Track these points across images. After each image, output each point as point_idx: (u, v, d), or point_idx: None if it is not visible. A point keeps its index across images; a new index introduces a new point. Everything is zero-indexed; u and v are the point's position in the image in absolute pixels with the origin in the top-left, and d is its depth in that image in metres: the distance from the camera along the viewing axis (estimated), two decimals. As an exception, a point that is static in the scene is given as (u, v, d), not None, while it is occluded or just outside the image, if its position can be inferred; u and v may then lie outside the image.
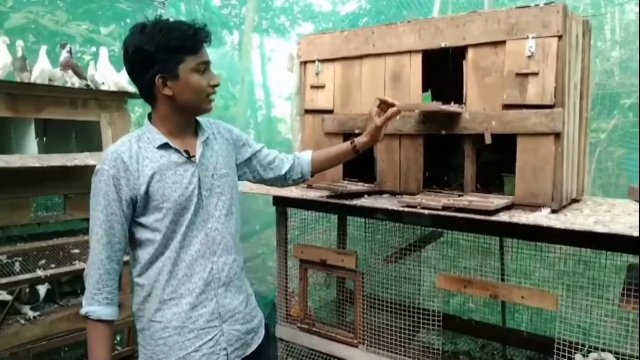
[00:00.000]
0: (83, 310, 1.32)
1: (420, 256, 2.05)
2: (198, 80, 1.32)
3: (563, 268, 1.90)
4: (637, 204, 1.72)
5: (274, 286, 3.08)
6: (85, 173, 2.40)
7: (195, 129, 1.43)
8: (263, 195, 2.18)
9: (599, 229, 1.37)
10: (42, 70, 2.63)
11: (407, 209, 1.66)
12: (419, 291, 2.03)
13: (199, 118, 1.45)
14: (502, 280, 2.06)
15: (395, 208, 1.69)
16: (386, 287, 2.04)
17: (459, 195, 1.77)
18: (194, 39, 1.30)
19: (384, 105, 1.64)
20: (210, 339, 1.36)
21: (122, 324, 2.80)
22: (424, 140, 1.87)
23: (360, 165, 2.06)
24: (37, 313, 2.58)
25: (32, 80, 2.62)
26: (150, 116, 1.39)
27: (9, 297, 2.52)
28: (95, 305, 1.31)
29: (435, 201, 1.62)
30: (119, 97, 2.93)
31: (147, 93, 1.34)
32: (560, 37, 1.55)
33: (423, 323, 1.89)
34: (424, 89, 1.88)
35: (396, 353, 1.93)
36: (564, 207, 1.68)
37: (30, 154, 2.61)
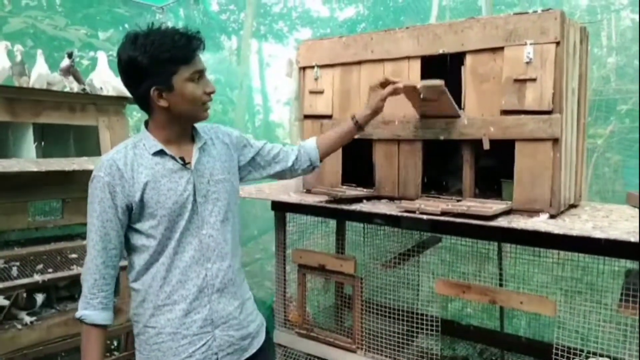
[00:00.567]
0: (78, 314, 1.34)
1: (419, 261, 2.05)
2: (193, 89, 1.32)
3: (561, 273, 1.90)
4: (635, 209, 1.73)
5: (272, 291, 3.07)
6: (83, 178, 2.37)
7: (192, 135, 1.43)
8: (261, 200, 2.18)
9: (598, 234, 1.37)
10: (39, 74, 2.64)
11: (405, 214, 1.66)
12: (417, 296, 2.03)
13: (197, 124, 1.45)
14: (501, 285, 2.06)
15: (394, 213, 1.70)
16: (384, 292, 2.04)
17: (458, 201, 1.77)
18: (187, 49, 1.29)
19: (387, 84, 1.66)
20: (203, 345, 1.37)
21: (120, 329, 2.79)
22: (423, 146, 1.88)
23: (358, 170, 2.06)
24: (34, 318, 2.56)
25: (30, 84, 2.62)
26: (147, 123, 1.40)
27: (5, 302, 2.51)
28: (90, 309, 1.32)
29: (434, 206, 1.63)
30: (117, 102, 2.92)
31: (143, 103, 1.35)
32: (558, 43, 1.56)
33: (421, 328, 1.89)
34: (422, 95, 1.89)
35: (394, 358, 1.93)
36: (562, 212, 1.69)
37: (28, 159, 2.60)
